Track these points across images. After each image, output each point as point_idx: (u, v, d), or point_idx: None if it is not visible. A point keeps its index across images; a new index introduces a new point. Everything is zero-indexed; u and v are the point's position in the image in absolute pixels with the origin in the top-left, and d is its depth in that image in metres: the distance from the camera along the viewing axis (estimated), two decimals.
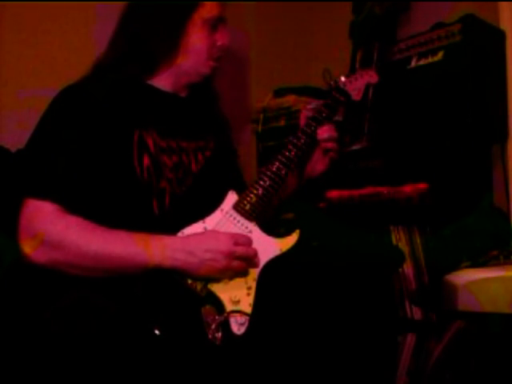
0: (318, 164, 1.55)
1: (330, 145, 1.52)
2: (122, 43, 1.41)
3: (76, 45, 2.11)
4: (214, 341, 1.18)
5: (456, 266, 1.69)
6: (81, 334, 1.10)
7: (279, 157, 1.41)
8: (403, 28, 2.28)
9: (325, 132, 1.49)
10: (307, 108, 2.18)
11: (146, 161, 1.31)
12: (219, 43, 1.44)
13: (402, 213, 1.97)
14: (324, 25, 2.60)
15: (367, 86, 1.64)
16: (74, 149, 1.24)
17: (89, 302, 1.13)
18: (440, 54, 1.98)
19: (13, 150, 1.80)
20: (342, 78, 1.61)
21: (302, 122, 1.53)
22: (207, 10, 1.40)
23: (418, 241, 1.97)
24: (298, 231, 1.34)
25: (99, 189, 1.26)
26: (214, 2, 1.41)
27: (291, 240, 1.33)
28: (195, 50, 1.41)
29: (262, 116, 2.41)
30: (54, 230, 1.18)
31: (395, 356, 1.83)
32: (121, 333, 1.12)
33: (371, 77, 1.65)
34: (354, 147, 2.10)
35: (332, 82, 1.61)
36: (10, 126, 1.98)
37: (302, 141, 1.45)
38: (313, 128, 1.48)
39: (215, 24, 1.42)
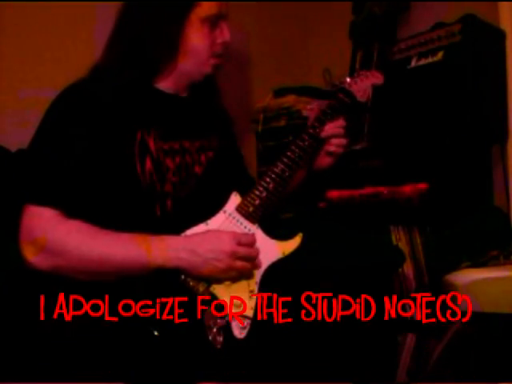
0: (323, 159, 1.54)
1: (334, 142, 1.50)
2: (119, 47, 1.38)
3: (76, 45, 2.10)
4: (215, 344, 1.17)
5: (456, 266, 1.69)
6: (81, 335, 1.10)
7: (283, 158, 1.40)
8: (403, 28, 2.28)
9: (329, 130, 1.48)
10: (308, 108, 2.19)
11: (149, 165, 1.30)
12: (219, 40, 1.41)
13: (402, 213, 1.97)
14: (324, 25, 2.60)
15: (374, 88, 1.62)
16: (75, 152, 1.23)
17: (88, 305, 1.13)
18: (440, 54, 1.98)
19: (13, 149, 1.80)
20: (348, 79, 1.59)
21: (309, 123, 1.50)
22: (205, 9, 1.37)
23: (418, 241, 1.97)
24: (300, 234, 1.34)
25: (100, 193, 1.25)
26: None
27: (294, 243, 1.33)
28: (195, 50, 1.38)
29: (262, 116, 2.40)
30: (56, 236, 1.18)
31: (395, 356, 1.83)
32: (121, 336, 1.12)
33: (377, 78, 1.63)
34: (354, 147, 2.10)
35: (337, 83, 1.59)
36: (10, 125, 1.97)
37: (306, 143, 1.43)
38: (316, 129, 1.46)
39: (215, 21, 1.39)
